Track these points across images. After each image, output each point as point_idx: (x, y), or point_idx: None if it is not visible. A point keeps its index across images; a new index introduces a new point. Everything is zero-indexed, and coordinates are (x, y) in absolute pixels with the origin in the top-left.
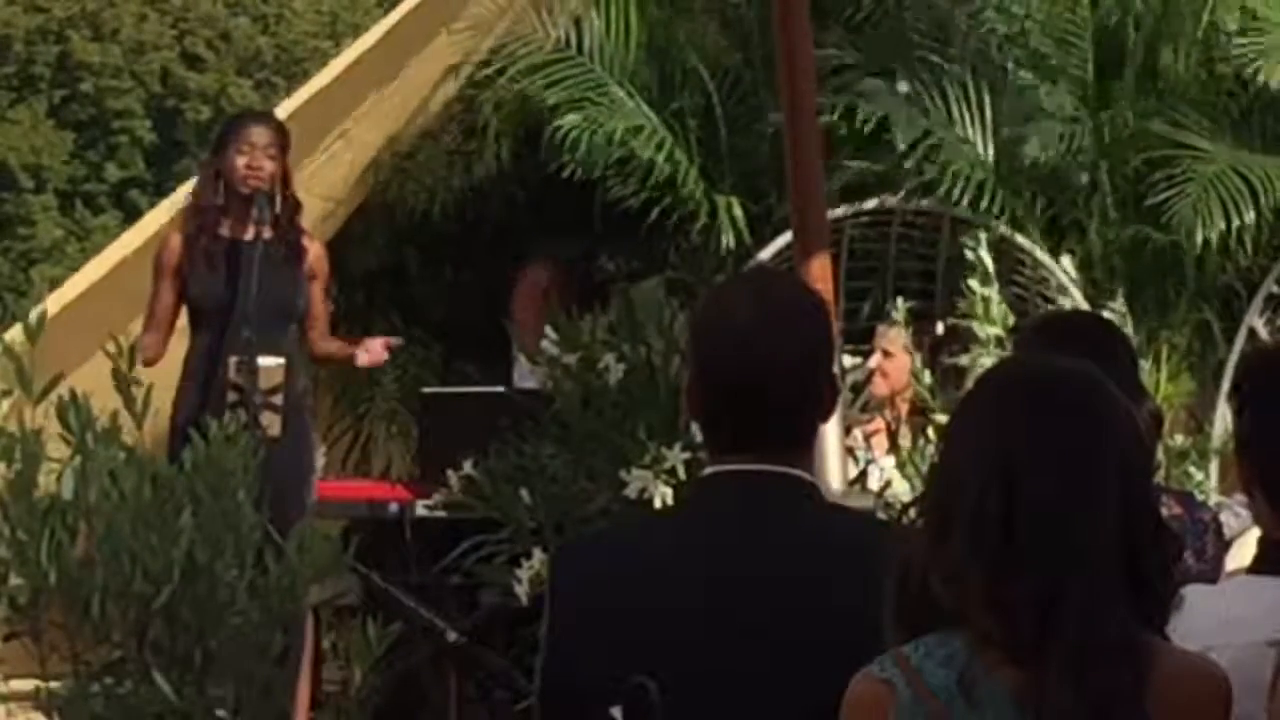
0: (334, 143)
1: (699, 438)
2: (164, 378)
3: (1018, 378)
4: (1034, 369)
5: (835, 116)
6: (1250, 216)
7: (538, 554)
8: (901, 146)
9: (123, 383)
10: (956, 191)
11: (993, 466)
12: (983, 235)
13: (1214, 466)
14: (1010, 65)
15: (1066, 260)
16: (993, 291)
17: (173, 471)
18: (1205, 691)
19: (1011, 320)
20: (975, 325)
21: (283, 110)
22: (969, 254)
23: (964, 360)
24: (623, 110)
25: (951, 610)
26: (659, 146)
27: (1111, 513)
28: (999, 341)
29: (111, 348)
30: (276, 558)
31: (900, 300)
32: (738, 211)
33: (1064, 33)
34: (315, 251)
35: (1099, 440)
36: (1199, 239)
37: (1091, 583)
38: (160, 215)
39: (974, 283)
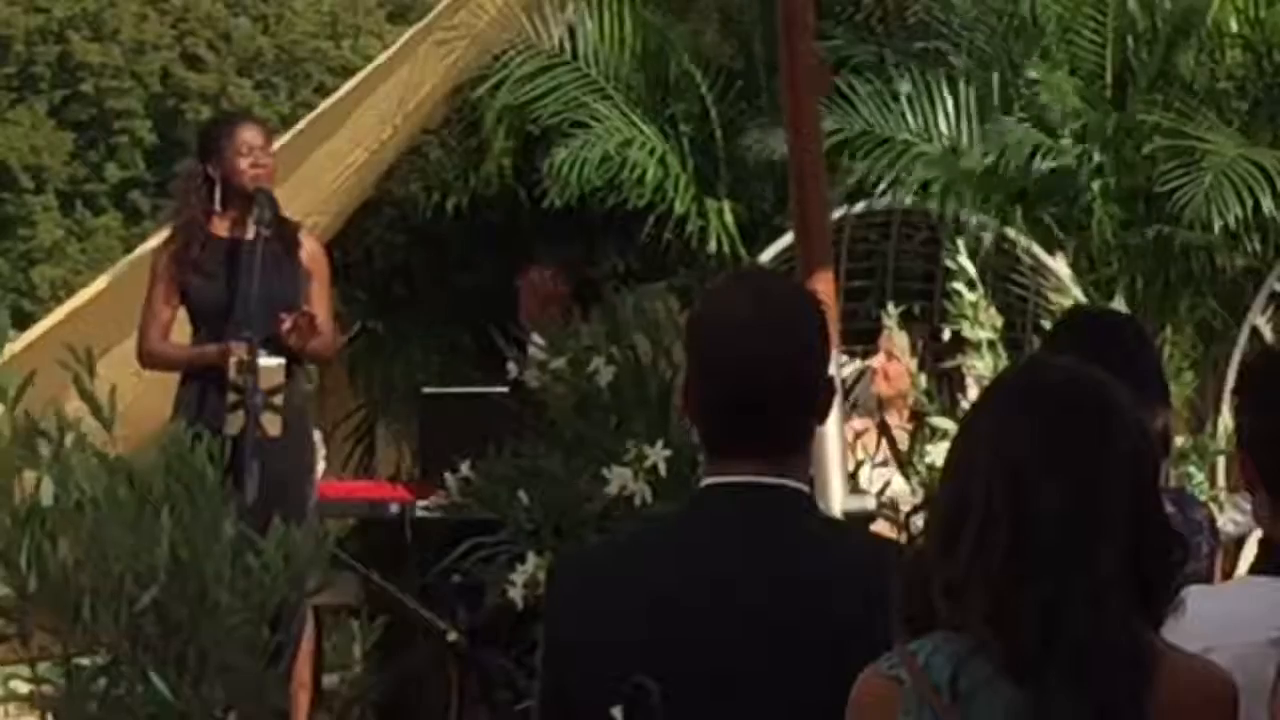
0: (344, 148)
1: (684, 435)
2: (160, 380)
3: (1022, 383)
4: (1039, 373)
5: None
6: (1267, 203)
7: (532, 556)
8: (900, 147)
9: (85, 393)
10: (953, 192)
11: (1000, 472)
12: (960, 241)
13: (1220, 464)
14: (1017, 59)
15: (1061, 259)
16: (979, 296)
17: (146, 471)
18: (1212, 697)
19: (999, 323)
20: (965, 329)
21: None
22: (949, 262)
23: (962, 364)
24: (612, 124)
25: (950, 623)
26: (650, 153)
27: (1120, 515)
28: (990, 345)
29: (70, 359)
30: (258, 557)
31: (891, 306)
32: (729, 217)
33: (1084, 25)
34: (311, 249)
35: (1106, 443)
36: (1215, 226)
37: (1098, 587)
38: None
39: (960, 286)
